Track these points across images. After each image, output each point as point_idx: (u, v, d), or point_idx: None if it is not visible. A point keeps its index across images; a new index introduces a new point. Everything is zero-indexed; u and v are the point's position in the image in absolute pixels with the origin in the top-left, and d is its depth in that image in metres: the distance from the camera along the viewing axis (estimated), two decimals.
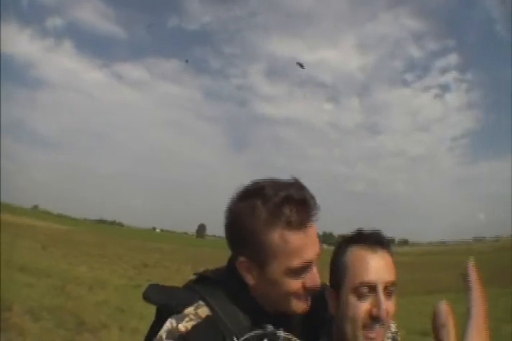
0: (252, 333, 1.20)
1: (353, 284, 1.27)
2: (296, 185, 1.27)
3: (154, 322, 1.30)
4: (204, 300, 1.28)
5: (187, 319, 1.22)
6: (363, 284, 1.25)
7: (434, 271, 28.92)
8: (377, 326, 1.24)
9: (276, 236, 1.19)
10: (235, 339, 1.19)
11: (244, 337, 1.19)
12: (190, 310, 1.24)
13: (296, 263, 1.21)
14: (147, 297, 1.29)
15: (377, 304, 1.22)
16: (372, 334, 1.24)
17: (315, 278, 1.25)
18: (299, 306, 1.28)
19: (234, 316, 1.27)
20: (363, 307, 1.24)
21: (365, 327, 1.25)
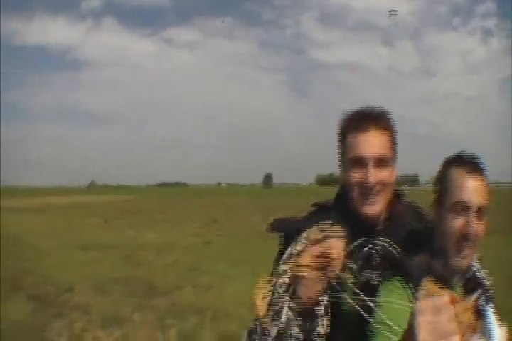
0: (358, 241, 1.45)
1: (451, 201, 1.40)
2: (375, 107, 1.57)
3: (278, 252, 1.50)
4: (316, 223, 1.45)
5: (300, 243, 1.41)
6: (458, 202, 1.38)
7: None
8: (468, 244, 1.37)
9: (349, 137, 1.52)
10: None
11: (354, 244, 1.44)
12: (303, 234, 1.42)
13: (349, 155, 1.51)
14: (271, 228, 1.56)
15: (469, 221, 1.36)
16: (462, 251, 1.38)
17: (367, 174, 1.46)
18: (361, 206, 1.48)
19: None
20: (457, 222, 1.38)
21: (456, 242, 1.38)
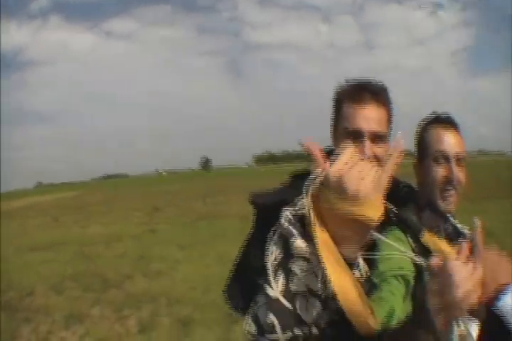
0: None
1: (432, 152, 1.63)
2: (374, 81, 1.62)
3: (253, 229, 1.58)
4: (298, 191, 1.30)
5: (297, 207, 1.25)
6: (438, 152, 1.61)
7: None
8: (451, 188, 1.59)
9: (344, 108, 1.55)
10: None
11: None
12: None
13: (346, 127, 1.52)
14: (252, 200, 1.59)
15: (449, 169, 1.58)
16: (446, 195, 1.59)
17: (364, 148, 1.47)
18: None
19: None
20: (440, 170, 1.60)
21: (441, 189, 1.59)
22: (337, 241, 1.07)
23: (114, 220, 17.30)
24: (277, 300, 1.05)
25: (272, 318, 1.04)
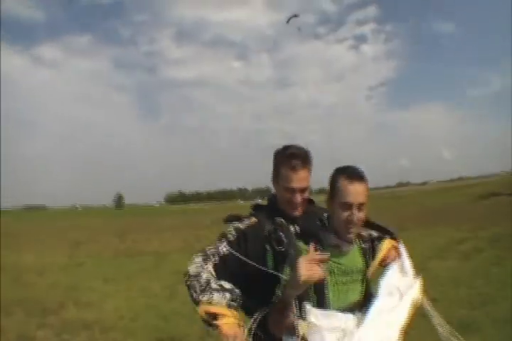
0: (272, 224, 2.17)
1: (339, 201, 1.99)
2: (297, 146, 2.27)
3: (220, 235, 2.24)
4: (254, 215, 2.28)
5: (244, 222, 2.24)
6: (344, 203, 1.97)
7: None
8: (352, 226, 1.99)
9: (283, 170, 2.19)
10: (267, 226, 2.16)
11: (270, 227, 2.14)
12: (245, 219, 2.26)
13: (285, 185, 2.18)
14: (226, 220, 2.30)
15: (351, 214, 1.96)
16: (349, 230, 2.01)
17: (296, 198, 2.19)
18: (291, 210, 2.23)
19: (269, 219, 2.22)
20: (344, 214, 1.98)
21: (344, 226, 1.99)
22: None
23: (43, 251, 17.15)
24: None
25: None
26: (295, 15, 13.88)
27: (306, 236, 2.09)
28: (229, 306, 1.95)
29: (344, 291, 2.05)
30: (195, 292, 2.00)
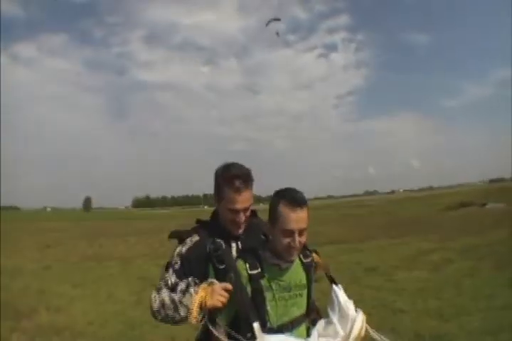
0: (213, 243, 2.10)
1: (281, 228, 1.97)
2: (239, 165, 2.20)
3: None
4: (196, 232, 2.23)
5: (186, 244, 2.18)
6: (285, 230, 1.96)
7: (321, 224, 28.29)
8: (293, 250, 2.01)
9: (226, 191, 2.14)
10: (208, 246, 2.09)
11: (211, 246, 2.07)
12: (188, 239, 2.19)
13: (229, 207, 2.15)
14: (170, 236, 2.24)
15: (293, 241, 1.96)
16: (290, 253, 2.02)
17: (240, 218, 2.17)
18: (234, 229, 2.22)
19: (211, 237, 2.16)
20: (286, 241, 1.97)
21: (285, 249, 2.00)
22: None
23: (12, 253, 17.05)
24: None
25: None
26: (276, 19, 13.67)
27: (246, 254, 2.11)
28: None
29: (286, 306, 2.08)
30: (176, 312, 1.99)
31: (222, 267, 2.03)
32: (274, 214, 2.01)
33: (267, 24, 13.14)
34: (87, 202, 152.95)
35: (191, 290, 1.97)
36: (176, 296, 1.99)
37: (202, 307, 1.90)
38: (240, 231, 2.22)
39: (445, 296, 7.42)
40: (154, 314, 2.07)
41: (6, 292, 9.48)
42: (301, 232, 1.97)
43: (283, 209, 1.96)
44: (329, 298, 2.07)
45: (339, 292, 2.05)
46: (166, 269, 2.15)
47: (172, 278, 2.09)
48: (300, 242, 1.98)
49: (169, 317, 2.01)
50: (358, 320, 1.92)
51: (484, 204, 31.61)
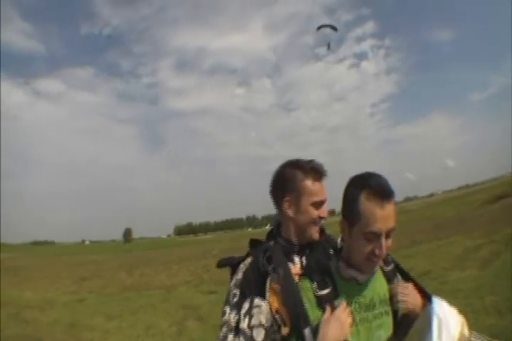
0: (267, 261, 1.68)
1: (363, 231, 1.50)
2: (313, 161, 1.84)
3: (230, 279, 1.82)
4: (250, 254, 1.81)
5: (241, 270, 1.76)
6: (370, 233, 1.49)
7: None
8: (376, 260, 1.53)
9: (308, 183, 1.78)
10: (268, 268, 1.66)
11: (271, 266, 1.65)
12: (241, 264, 1.78)
13: (314, 199, 1.77)
14: (219, 264, 1.87)
15: (379, 246, 1.49)
16: (371, 263, 1.55)
17: (325, 210, 1.80)
18: (314, 233, 1.81)
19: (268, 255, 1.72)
20: (369, 247, 1.51)
21: (366, 258, 1.53)
22: None
23: (46, 286, 16.71)
24: None
25: None
26: (330, 26, 12.53)
27: (312, 271, 1.66)
28: None
29: (370, 330, 1.61)
30: None
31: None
32: (351, 210, 1.54)
33: (317, 28, 12.13)
34: (127, 233, 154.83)
35: None
36: None
37: None
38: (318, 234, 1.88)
39: (499, 290, 7.03)
40: None
41: (33, 326, 9.08)
42: (388, 234, 1.50)
43: (366, 204, 1.49)
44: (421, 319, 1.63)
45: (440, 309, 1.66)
46: (225, 309, 1.72)
47: (233, 320, 1.65)
48: (387, 248, 1.52)
49: None
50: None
51: None
